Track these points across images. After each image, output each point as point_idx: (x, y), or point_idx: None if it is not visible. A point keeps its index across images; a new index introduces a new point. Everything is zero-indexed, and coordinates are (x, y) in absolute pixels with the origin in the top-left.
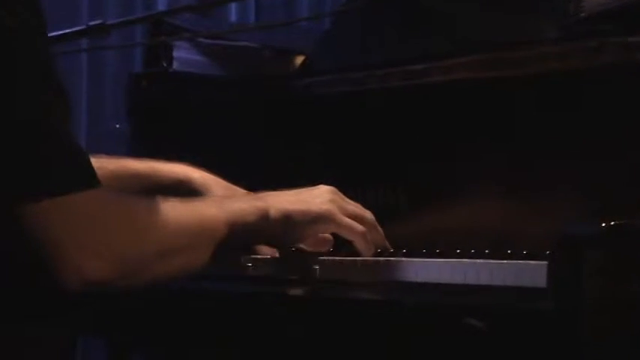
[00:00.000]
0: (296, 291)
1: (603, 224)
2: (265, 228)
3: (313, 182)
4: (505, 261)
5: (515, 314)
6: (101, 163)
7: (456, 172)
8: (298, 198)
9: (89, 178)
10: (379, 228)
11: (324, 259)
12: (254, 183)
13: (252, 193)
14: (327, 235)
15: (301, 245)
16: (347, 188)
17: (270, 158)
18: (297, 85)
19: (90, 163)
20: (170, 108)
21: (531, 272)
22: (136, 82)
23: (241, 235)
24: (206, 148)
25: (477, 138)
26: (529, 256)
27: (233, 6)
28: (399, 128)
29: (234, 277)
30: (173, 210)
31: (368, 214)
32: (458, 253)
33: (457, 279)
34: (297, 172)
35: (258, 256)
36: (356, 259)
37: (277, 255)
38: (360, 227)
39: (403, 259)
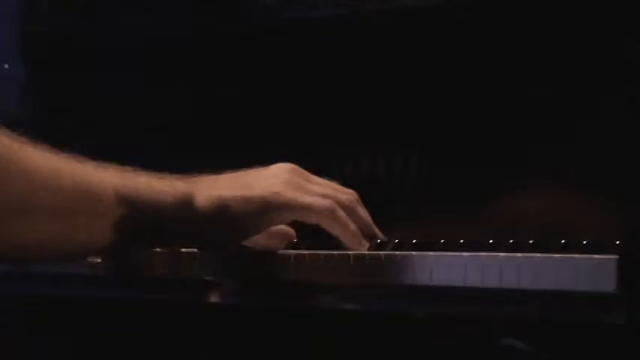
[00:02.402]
0: (251, 299)
1: None
2: (187, 218)
3: (277, 156)
4: (557, 255)
5: (571, 330)
6: None
7: (486, 133)
8: (240, 181)
9: None
10: (363, 212)
11: (300, 255)
12: (199, 161)
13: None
14: (284, 227)
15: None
16: (329, 157)
17: (219, 122)
18: (259, 7)
19: None
20: (83, 44)
21: (594, 271)
22: (33, 5)
23: (147, 220)
24: (131, 105)
25: (516, 85)
26: (591, 249)
27: None
28: (408, 69)
29: (149, 281)
30: (41, 158)
31: (344, 195)
32: (490, 245)
33: (489, 281)
34: (256, 143)
35: (193, 251)
36: (347, 254)
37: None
38: (324, 202)
39: (413, 253)
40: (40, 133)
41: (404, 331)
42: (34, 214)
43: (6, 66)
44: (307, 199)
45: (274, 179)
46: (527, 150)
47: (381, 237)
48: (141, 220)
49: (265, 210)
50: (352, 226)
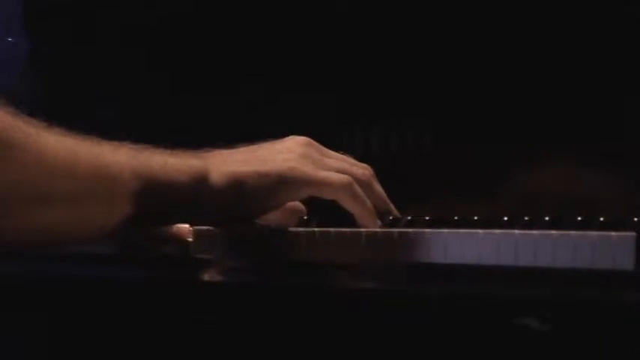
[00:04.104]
0: (265, 279)
1: None
2: (202, 196)
3: (286, 129)
4: (573, 232)
5: (588, 309)
6: None
7: (501, 108)
8: (254, 155)
9: None
10: (379, 187)
11: (311, 232)
12: (211, 135)
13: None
14: (296, 204)
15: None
16: (340, 129)
17: (232, 93)
18: None
19: None
20: (86, 17)
21: (612, 248)
22: None
23: (163, 199)
24: (134, 80)
25: (533, 60)
26: (608, 226)
27: None
28: (423, 44)
29: (156, 260)
30: (58, 142)
31: (359, 170)
32: (505, 222)
33: (505, 259)
34: (264, 115)
35: (201, 228)
36: (360, 231)
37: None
38: (342, 178)
39: (427, 230)
40: (43, 107)
41: (418, 310)
42: (52, 200)
43: (10, 39)
44: (324, 174)
45: (289, 153)
46: (544, 126)
47: (395, 213)
48: (157, 201)
49: (281, 185)
50: (368, 203)
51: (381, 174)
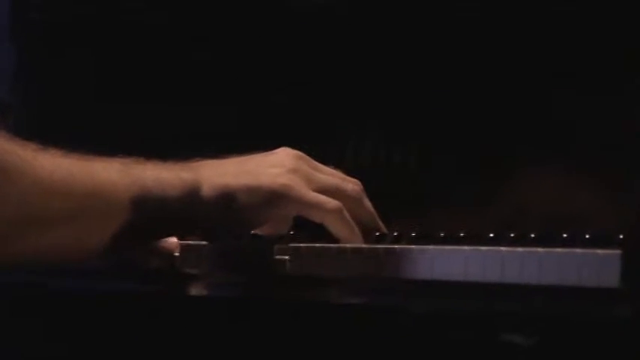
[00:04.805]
0: (251, 293)
1: None
2: (195, 209)
3: (276, 141)
4: (559, 249)
5: (574, 326)
6: None
7: (487, 124)
8: (244, 169)
9: None
10: (368, 203)
11: (298, 247)
12: (197, 147)
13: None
14: (282, 218)
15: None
16: (325, 143)
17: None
18: None
19: None
20: (79, 25)
21: (598, 265)
22: None
23: (156, 215)
24: (122, 91)
25: (517, 77)
26: (594, 242)
27: None
28: (409, 59)
29: (148, 275)
30: (53, 165)
31: (350, 185)
32: (491, 239)
33: (491, 275)
34: (255, 133)
35: (190, 242)
36: (345, 247)
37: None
38: (332, 203)
39: (413, 246)
40: (31, 118)
41: (403, 326)
42: (49, 222)
43: None
44: (315, 198)
45: (280, 167)
46: (530, 141)
47: (383, 229)
48: (150, 215)
49: (271, 202)
50: (356, 229)
51: (368, 189)
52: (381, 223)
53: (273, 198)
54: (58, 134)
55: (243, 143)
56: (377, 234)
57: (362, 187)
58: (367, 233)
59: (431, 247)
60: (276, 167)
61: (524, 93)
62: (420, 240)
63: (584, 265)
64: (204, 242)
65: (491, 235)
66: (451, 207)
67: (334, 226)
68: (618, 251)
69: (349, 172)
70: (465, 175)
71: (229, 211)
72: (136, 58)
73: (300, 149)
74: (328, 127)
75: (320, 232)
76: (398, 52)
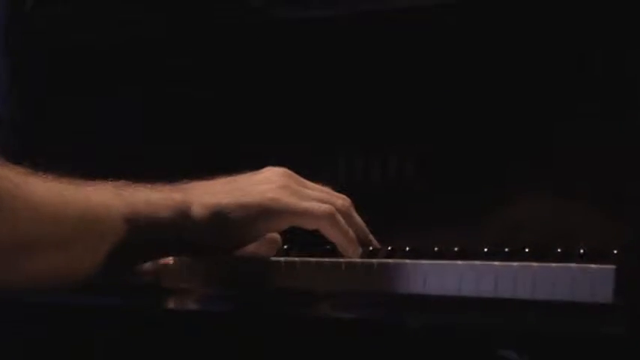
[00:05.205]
0: (245, 308)
1: None
2: (186, 228)
3: (267, 159)
4: (553, 264)
5: (568, 341)
6: None
7: (482, 140)
8: (234, 186)
9: None
10: (358, 217)
11: (291, 261)
12: (190, 167)
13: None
14: (274, 235)
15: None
16: (320, 157)
17: (210, 124)
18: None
19: None
20: (71, 44)
21: (591, 281)
22: (16, 4)
23: (148, 236)
24: (112, 104)
25: (514, 91)
26: (588, 258)
27: None
28: (405, 72)
29: (137, 289)
30: (45, 189)
31: (339, 201)
32: (486, 253)
33: (485, 290)
34: (247, 147)
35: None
36: (339, 261)
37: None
38: (323, 207)
39: (407, 261)
40: (22, 132)
41: (397, 340)
42: (41, 246)
43: None
44: (306, 204)
45: (269, 184)
46: (525, 157)
47: (375, 244)
48: (142, 239)
49: (263, 216)
50: (351, 232)
51: (362, 204)
52: (372, 237)
53: (264, 212)
54: (50, 150)
55: (236, 155)
56: (370, 248)
57: (351, 202)
58: (359, 246)
59: (425, 261)
60: (265, 184)
61: (519, 109)
62: (413, 254)
63: (578, 280)
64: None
65: (485, 249)
66: (445, 222)
67: (328, 231)
68: (612, 266)
69: (343, 186)
70: (460, 190)
71: (221, 228)
72: (131, 70)
73: (290, 167)
74: (323, 139)
75: (314, 247)
76: (392, 71)
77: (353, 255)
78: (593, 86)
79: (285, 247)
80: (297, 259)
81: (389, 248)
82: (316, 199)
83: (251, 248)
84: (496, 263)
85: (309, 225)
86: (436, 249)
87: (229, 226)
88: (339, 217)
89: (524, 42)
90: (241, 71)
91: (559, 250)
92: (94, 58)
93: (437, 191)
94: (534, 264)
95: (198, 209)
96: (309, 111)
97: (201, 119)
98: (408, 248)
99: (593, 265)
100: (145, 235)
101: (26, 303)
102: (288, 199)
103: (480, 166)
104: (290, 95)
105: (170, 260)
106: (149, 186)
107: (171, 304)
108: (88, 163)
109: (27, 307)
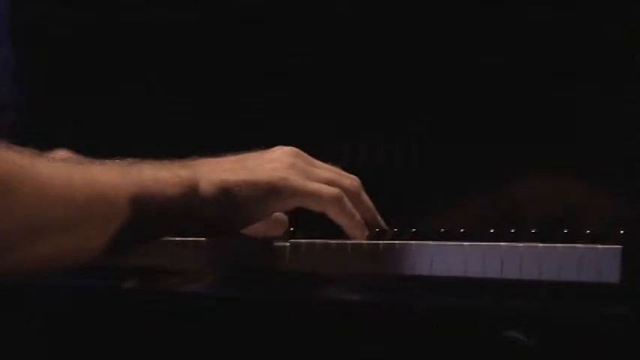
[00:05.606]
0: (251, 290)
1: None
2: (194, 206)
3: (276, 139)
4: (559, 245)
5: (574, 321)
6: None
7: (486, 121)
8: (243, 165)
9: None
10: (366, 198)
11: (298, 243)
12: (194, 147)
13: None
14: (280, 215)
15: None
16: (326, 142)
17: (217, 105)
18: None
19: None
20: (79, 29)
21: (598, 261)
22: None
23: (157, 215)
24: (117, 93)
25: (516, 75)
26: (595, 238)
27: None
28: (407, 56)
29: (140, 271)
30: (52, 170)
31: (348, 181)
32: (492, 234)
33: (491, 271)
34: (254, 130)
35: (188, 239)
36: (345, 243)
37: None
38: (331, 190)
39: (412, 242)
40: (28, 119)
41: (403, 322)
42: (50, 229)
43: None
44: (314, 186)
45: (278, 163)
46: (529, 138)
47: (382, 225)
48: (150, 216)
49: (271, 195)
50: (357, 216)
51: (367, 186)
52: (380, 219)
53: (272, 191)
54: (56, 135)
55: (241, 142)
56: (377, 230)
57: (360, 182)
58: (366, 229)
59: (431, 243)
60: (274, 163)
61: (524, 91)
62: (419, 236)
63: (584, 261)
64: (202, 239)
65: (491, 231)
66: (451, 203)
67: (335, 214)
68: (618, 246)
69: (348, 169)
70: (465, 172)
71: (228, 205)
72: (134, 58)
73: (300, 148)
74: (327, 125)
75: (320, 230)
76: (395, 55)
77: (360, 239)
78: (597, 64)
79: (292, 229)
80: (303, 240)
81: (395, 230)
82: (325, 179)
83: (257, 228)
84: (502, 244)
85: (316, 207)
86: (442, 231)
87: (237, 203)
88: (346, 201)
89: (523, 28)
90: (244, 59)
91: (565, 231)
92: (99, 40)
93: (442, 173)
94: (540, 245)
95: (205, 186)
96: (317, 99)
97: (205, 96)
98: (413, 230)
99: (599, 246)
100: (153, 213)
101: (31, 286)
102: (297, 180)
103: (486, 147)
104: (297, 84)
105: (174, 240)
106: (156, 163)
107: (174, 287)
108: (94, 147)
109: (31, 290)
